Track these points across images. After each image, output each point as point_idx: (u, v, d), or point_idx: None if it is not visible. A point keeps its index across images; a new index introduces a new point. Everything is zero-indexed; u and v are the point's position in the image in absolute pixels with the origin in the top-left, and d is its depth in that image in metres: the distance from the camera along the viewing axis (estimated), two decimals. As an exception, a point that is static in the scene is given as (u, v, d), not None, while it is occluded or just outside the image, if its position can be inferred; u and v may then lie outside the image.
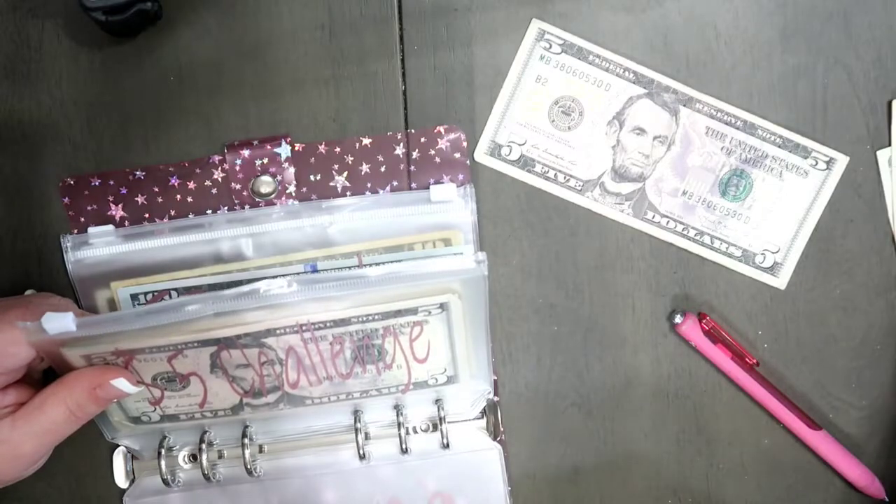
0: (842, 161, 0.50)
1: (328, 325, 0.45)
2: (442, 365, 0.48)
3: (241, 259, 0.49)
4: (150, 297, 0.49)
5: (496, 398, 0.51)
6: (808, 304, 0.51)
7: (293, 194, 0.50)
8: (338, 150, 0.50)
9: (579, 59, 0.50)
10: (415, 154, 0.50)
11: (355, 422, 0.50)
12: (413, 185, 0.50)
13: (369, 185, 0.50)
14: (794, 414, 0.50)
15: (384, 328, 0.46)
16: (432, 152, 0.50)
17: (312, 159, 0.50)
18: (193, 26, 0.49)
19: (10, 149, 0.50)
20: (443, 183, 0.50)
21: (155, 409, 0.48)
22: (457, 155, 0.50)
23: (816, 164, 0.50)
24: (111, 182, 0.50)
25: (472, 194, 0.50)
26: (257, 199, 0.50)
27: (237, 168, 0.50)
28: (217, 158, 0.50)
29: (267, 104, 0.50)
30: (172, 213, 0.50)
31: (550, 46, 0.50)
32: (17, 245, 0.50)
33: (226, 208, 0.50)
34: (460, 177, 0.50)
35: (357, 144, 0.50)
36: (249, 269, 0.49)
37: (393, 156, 0.50)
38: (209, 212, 0.50)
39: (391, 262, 0.49)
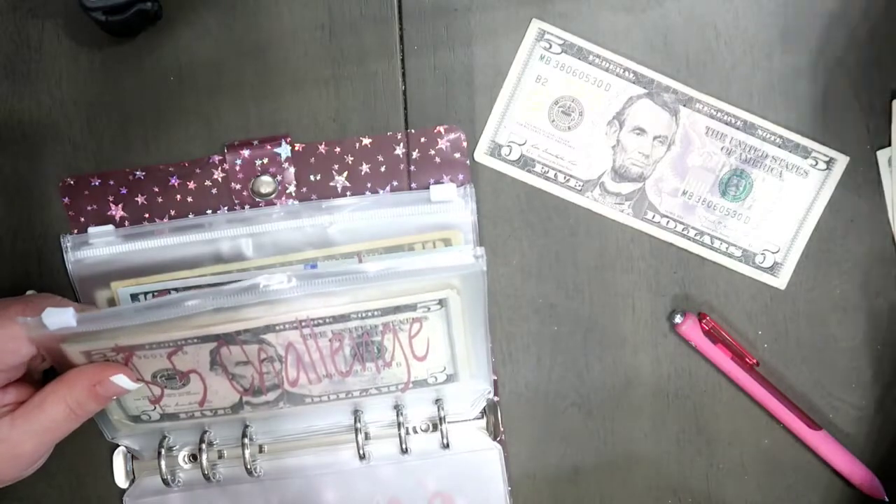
0: (842, 161, 0.50)
1: (327, 321, 0.45)
2: (441, 363, 0.48)
3: (242, 259, 0.49)
4: (150, 297, 0.49)
5: (496, 398, 0.51)
6: (808, 304, 0.51)
7: (293, 194, 0.50)
8: (338, 150, 0.50)
9: (579, 59, 0.50)
10: (415, 154, 0.50)
11: (355, 422, 0.50)
12: (413, 185, 0.50)
13: (369, 185, 0.50)
14: (794, 414, 0.50)
15: (383, 325, 0.46)
16: (432, 152, 0.50)
17: (312, 159, 0.50)
18: (193, 26, 0.49)
19: (10, 149, 0.50)
20: (443, 183, 0.50)
21: (155, 408, 0.48)
22: (457, 155, 0.50)
23: (816, 164, 0.50)
24: (111, 182, 0.50)
25: (472, 194, 0.50)
26: (257, 199, 0.50)
27: (237, 168, 0.50)
28: (217, 158, 0.50)
29: (267, 104, 0.50)
30: (172, 213, 0.50)
31: (550, 46, 0.50)
32: (17, 245, 0.50)
33: (226, 208, 0.50)
34: (460, 177, 0.50)
35: (357, 144, 0.50)
36: (249, 269, 0.49)
37: (393, 156, 0.50)
38: (209, 212, 0.50)
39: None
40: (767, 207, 0.51)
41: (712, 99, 0.50)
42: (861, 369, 0.51)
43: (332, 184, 0.50)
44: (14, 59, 0.49)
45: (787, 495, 0.52)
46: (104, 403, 0.45)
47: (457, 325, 0.46)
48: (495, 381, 0.51)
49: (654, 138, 0.50)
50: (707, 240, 0.51)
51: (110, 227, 0.50)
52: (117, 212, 0.50)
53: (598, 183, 0.51)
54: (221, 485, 0.50)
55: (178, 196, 0.50)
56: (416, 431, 0.51)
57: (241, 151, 0.50)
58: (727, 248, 0.51)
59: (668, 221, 0.51)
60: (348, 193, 0.50)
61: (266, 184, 0.50)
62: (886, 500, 0.51)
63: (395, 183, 0.50)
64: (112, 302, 0.50)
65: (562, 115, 0.50)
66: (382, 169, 0.50)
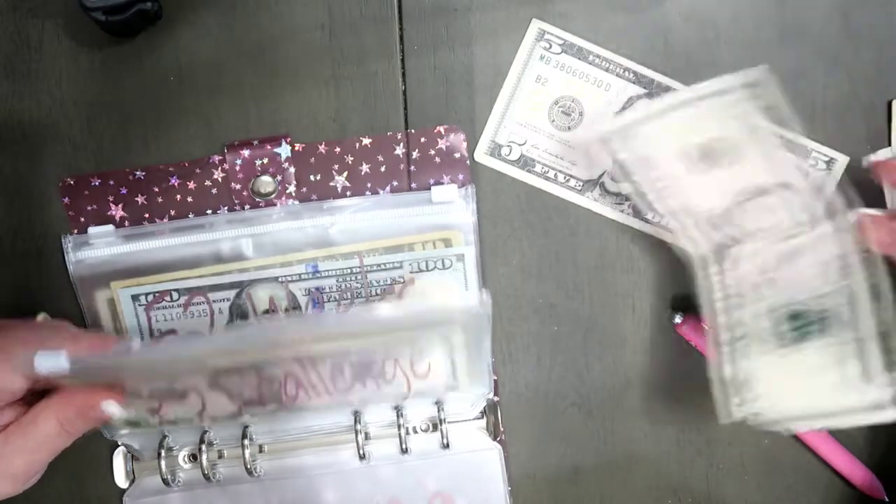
0: (842, 161, 0.50)
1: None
2: (442, 379, 0.48)
3: (242, 259, 0.49)
4: (150, 297, 0.49)
5: (496, 398, 0.51)
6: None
7: (293, 194, 0.50)
8: (338, 150, 0.50)
9: (579, 59, 0.50)
10: (415, 154, 0.50)
11: (355, 422, 0.50)
12: (413, 185, 0.50)
13: (369, 185, 0.50)
14: (794, 414, 0.50)
15: (385, 355, 0.46)
16: (432, 152, 0.50)
17: (312, 159, 0.50)
18: (193, 26, 0.49)
19: (10, 149, 0.50)
20: (443, 183, 0.50)
21: (154, 416, 0.48)
22: (457, 155, 0.50)
23: (816, 164, 0.50)
24: (111, 182, 0.50)
25: (473, 195, 0.50)
26: (257, 200, 0.50)
27: (237, 168, 0.50)
28: (217, 158, 0.50)
29: (267, 104, 0.50)
30: (172, 212, 0.50)
31: (550, 46, 0.50)
32: (17, 245, 0.50)
33: (226, 208, 0.50)
34: (460, 177, 0.50)
35: (357, 144, 0.50)
36: (249, 270, 0.49)
37: (393, 156, 0.50)
38: (209, 212, 0.50)
39: (392, 262, 0.49)
40: (767, 207, 0.50)
41: (711, 99, 0.50)
42: (861, 369, 0.51)
43: (332, 184, 0.50)
44: (14, 59, 0.49)
45: (787, 495, 0.52)
46: (95, 424, 0.45)
47: (459, 353, 0.47)
48: (495, 381, 0.51)
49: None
50: (707, 240, 0.51)
51: (110, 227, 0.50)
52: (117, 212, 0.50)
53: (598, 183, 0.51)
54: (221, 485, 0.51)
55: (178, 196, 0.50)
56: (415, 431, 0.51)
57: (241, 151, 0.50)
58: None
59: (668, 221, 0.51)
60: (348, 193, 0.50)
61: (266, 184, 0.50)
62: (886, 500, 0.51)
63: (395, 183, 0.50)
64: (112, 302, 0.50)
65: (562, 115, 0.50)
66: (382, 169, 0.50)
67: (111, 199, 0.50)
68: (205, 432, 0.50)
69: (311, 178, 0.50)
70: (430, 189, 0.49)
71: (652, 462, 0.52)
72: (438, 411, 0.50)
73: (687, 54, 0.50)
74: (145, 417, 0.48)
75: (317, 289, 0.50)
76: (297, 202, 0.50)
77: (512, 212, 0.51)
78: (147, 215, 0.50)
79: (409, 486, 0.51)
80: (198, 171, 0.50)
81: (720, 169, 0.45)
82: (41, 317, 0.49)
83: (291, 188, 0.50)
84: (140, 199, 0.50)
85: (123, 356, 0.42)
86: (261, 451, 0.51)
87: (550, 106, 0.50)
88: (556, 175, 0.51)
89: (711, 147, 0.45)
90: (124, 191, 0.50)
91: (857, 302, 0.42)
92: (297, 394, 0.47)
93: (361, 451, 0.49)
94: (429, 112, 0.50)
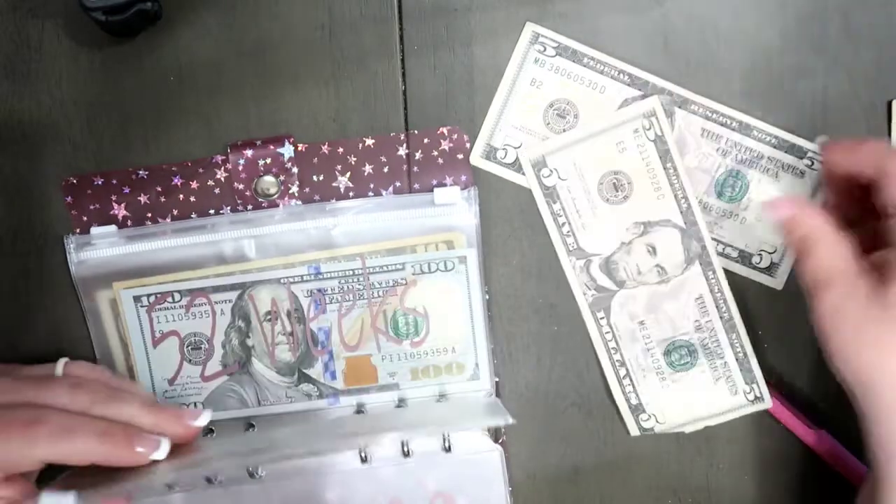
0: None
1: None
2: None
3: (244, 260, 0.49)
4: (152, 298, 0.49)
5: (497, 399, 0.51)
6: (806, 304, 0.51)
7: (296, 194, 0.50)
8: (340, 150, 0.50)
9: (574, 61, 0.50)
10: (417, 155, 0.50)
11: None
12: (416, 185, 0.50)
13: (372, 185, 0.50)
14: (794, 414, 0.50)
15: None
16: (435, 153, 0.50)
17: (315, 160, 0.50)
18: (193, 26, 0.49)
19: (10, 149, 0.50)
20: (446, 185, 0.50)
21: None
22: (459, 156, 0.50)
23: (812, 164, 0.50)
24: (114, 181, 0.50)
25: (476, 197, 0.50)
26: (260, 200, 0.50)
27: (240, 168, 0.50)
28: (220, 158, 0.50)
29: (267, 104, 0.50)
30: (175, 212, 0.50)
31: (545, 49, 0.50)
32: (17, 245, 0.50)
33: (228, 208, 0.50)
34: (463, 178, 0.50)
35: (360, 145, 0.50)
36: (252, 271, 0.49)
37: (396, 157, 0.50)
38: (212, 211, 0.50)
39: (395, 264, 0.50)
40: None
41: (707, 100, 0.50)
42: (860, 369, 0.51)
43: (334, 184, 0.50)
44: (14, 59, 0.49)
45: (787, 495, 0.52)
46: None
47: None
48: (496, 382, 0.51)
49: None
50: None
51: (113, 227, 0.49)
52: (120, 211, 0.50)
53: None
54: (223, 486, 0.51)
55: (181, 196, 0.50)
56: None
57: (245, 151, 0.50)
58: (723, 249, 0.51)
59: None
60: (351, 194, 0.50)
61: (269, 184, 0.50)
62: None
63: (397, 184, 0.50)
64: (114, 302, 0.50)
65: (557, 117, 0.50)
66: (385, 170, 0.50)
67: (114, 198, 0.50)
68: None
69: (314, 178, 0.50)
70: (432, 191, 0.50)
71: (652, 462, 0.52)
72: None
73: (687, 55, 0.50)
74: None
75: (319, 290, 0.50)
76: (299, 202, 0.50)
77: (512, 212, 0.51)
78: (150, 215, 0.50)
79: (410, 487, 0.51)
80: (201, 170, 0.50)
81: (618, 203, 0.49)
82: (63, 361, 0.46)
83: (294, 188, 0.50)
84: (143, 199, 0.50)
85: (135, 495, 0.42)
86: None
87: (545, 109, 0.50)
88: (556, 175, 0.51)
89: (615, 179, 0.49)
90: (127, 190, 0.50)
91: (718, 334, 0.50)
92: None
93: (363, 454, 0.49)
94: (428, 112, 0.50)
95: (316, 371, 0.51)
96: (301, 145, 0.50)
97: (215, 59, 0.50)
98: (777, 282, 0.51)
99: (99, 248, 0.49)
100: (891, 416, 0.41)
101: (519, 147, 0.50)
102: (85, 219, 0.50)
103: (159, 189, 0.50)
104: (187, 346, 0.50)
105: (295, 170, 0.50)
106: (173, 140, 0.50)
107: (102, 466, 0.42)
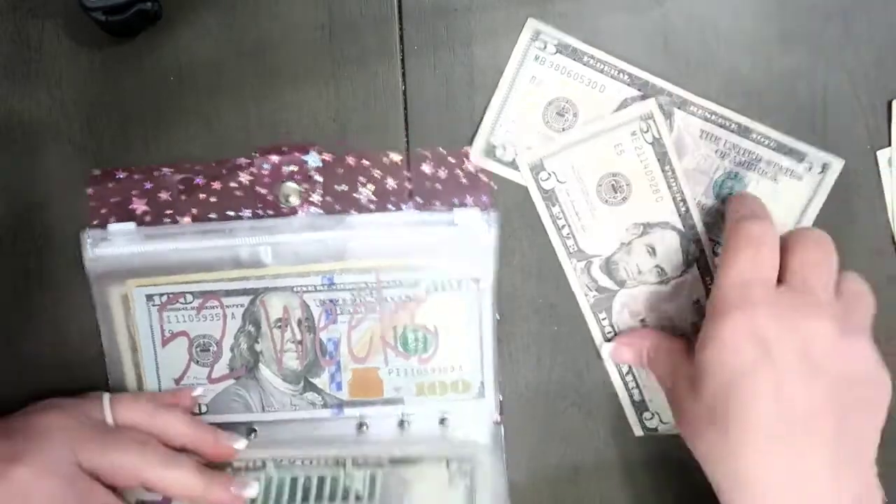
0: (836, 165, 0.50)
1: None
2: None
3: (260, 266, 0.49)
4: (164, 298, 0.50)
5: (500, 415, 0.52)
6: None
7: (317, 203, 0.50)
8: (366, 162, 0.50)
9: (574, 59, 0.50)
10: (442, 173, 0.50)
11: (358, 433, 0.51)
12: (437, 203, 0.50)
13: (393, 199, 0.50)
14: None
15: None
16: (459, 173, 0.50)
17: (340, 170, 0.50)
18: (193, 26, 0.49)
19: (10, 149, 0.50)
20: (466, 205, 0.50)
21: None
22: (483, 177, 0.50)
23: (811, 168, 0.50)
24: (136, 176, 0.50)
25: (496, 220, 0.50)
26: (281, 206, 0.50)
27: (265, 172, 0.50)
28: (245, 161, 0.50)
29: (267, 104, 0.50)
30: (195, 211, 0.50)
31: (545, 47, 0.50)
32: (17, 245, 0.50)
33: (248, 211, 0.50)
34: (484, 199, 0.50)
35: (385, 159, 0.50)
36: (266, 277, 0.50)
37: (420, 173, 0.50)
38: (231, 213, 0.50)
39: (408, 280, 0.50)
40: (763, 210, 0.51)
41: (706, 102, 0.50)
42: (861, 369, 0.51)
43: (356, 195, 0.50)
44: (14, 59, 0.49)
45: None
46: None
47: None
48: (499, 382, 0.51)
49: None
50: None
51: (132, 224, 0.49)
52: (139, 206, 0.50)
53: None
54: None
55: (202, 195, 0.50)
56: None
57: (271, 157, 0.50)
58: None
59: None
60: (372, 207, 0.50)
61: (291, 191, 0.50)
62: (885, 500, 0.51)
63: (419, 200, 0.50)
64: (126, 298, 0.50)
65: (556, 116, 0.50)
66: (408, 185, 0.50)
67: (135, 193, 0.50)
68: None
69: (337, 188, 0.50)
70: (452, 210, 0.50)
71: (652, 462, 0.52)
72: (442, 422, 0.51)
73: (687, 55, 0.50)
74: None
75: (331, 301, 0.50)
76: (320, 211, 0.50)
77: (511, 212, 0.51)
78: (169, 212, 0.50)
79: None
80: (224, 172, 0.50)
81: (617, 205, 0.49)
82: (107, 403, 0.48)
83: (316, 197, 0.50)
84: (164, 196, 0.50)
85: None
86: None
87: (545, 107, 0.50)
88: (555, 175, 0.51)
89: (614, 181, 0.49)
90: (149, 186, 0.50)
91: None
92: None
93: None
94: (429, 112, 0.50)
95: (322, 381, 0.51)
96: (327, 155, 0.50)
97: (215, 59, 0.50)
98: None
99: (116, 245, 0.49)
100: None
101: (518, 145, 0.50)
102: (104, 211, 0.50)
103: (181, 187, 0.50)
104: (196, 348, 0.50)
105: (319, 178, 0.50)
106: (173, 140, 0.50)
107: None
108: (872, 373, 0.42)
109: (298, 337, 0.50)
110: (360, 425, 0.51)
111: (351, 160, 0.50)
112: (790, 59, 0.50)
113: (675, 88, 0.50)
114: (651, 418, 0.51)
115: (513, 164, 0.50)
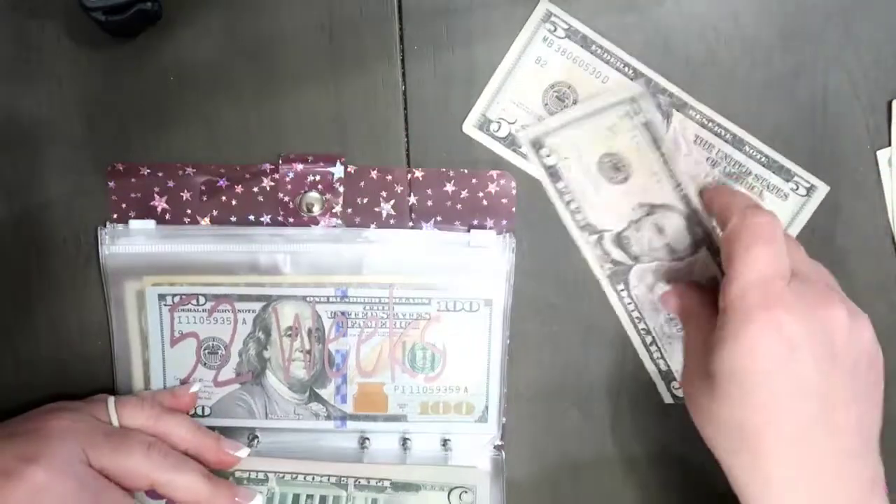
0: (822, 190, 0.50)
1: None
2: None
3: (277, 273, 0.50)
4: (177, 298, 0.50)
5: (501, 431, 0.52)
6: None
7: (338, 214, 0.50)
8: (389, 177, 0.50)
9: (582, 46, 0.49)
10: (464, 194, 0.50)
11: (360, 447, 0.51)
12: (457, 222, 0.50)
13: (413, 216, 0.50)
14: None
15: None
16: (481, 194, 0.50)
17: (362, 183, 0.50)
18: (193, 26, 0.49)
19: (10, 149, 0.50)
20: (485, 227, 0.50)
21: None
22: (504, 201, 0.50)
23: (797, 188, 0.50)
24: (160, 174, 0.50)
25: (513, 245, 0.50)
26: (302, 214, 0.50)
27: (288, 180, 0.50)
28: (269, 167, 0.50)
29: (267, 104, 0.50)
30: (215, 213, 0.50)
31: (555, 29, 0.49)
32: (17, 245, 0.50)
33: (269, 217, 0.50)
34: (504, 223, 0.50)
35: (409, 175, 0.50)
36: (281, 285, 0.50)
37: (442, 192, 0.50)
38: (251, 218, 0.50)
39: (421, 298, 0.50)
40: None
41: (705, 108, 0.50)
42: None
43: (377, 209, 0.50)
44: (14, 59, 0.49)
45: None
46: None
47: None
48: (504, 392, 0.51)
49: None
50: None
51: (152, 222, 0.49)
52: (160, 203, 0.50)
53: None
54: None
55: (224, 198, 0.50)
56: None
57: (295, 165, 0.50)
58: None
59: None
60: (392, 222, 0.50)
61: (314, 200, 0.50)
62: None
63: (438, 218, 0.50)
64: (140, 294, 0.50)
65: (556, 99, 0.50)
66: (429, 203, 0.50)
67: (156, 189, 0.50)
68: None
69: (359, 201, 0.50)
70: (470, 231, 0.50)
71: (652, 461, 0.52)
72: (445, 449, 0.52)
73: (687, 54, 0.50)
74: None
75: (342, 313, 0.50)
76: (340, 222, 0.50)
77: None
78: (189, 211, 0.50)
79: None
80: (247, 176, 0.50)
81: (620, 184, 0.49)
82: (112, 405, 0.48)
83: (337, 208, 0.50)
84: (185, 195, 0.50)
85: None
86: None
87: (546, 89, 0.50)
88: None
89: (613, 160, 0.49)
90: (171, 184, 0.50)
91: None
92: None
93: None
94: (429, 112, 0.50)
95: (328, 392, 0.51)
96: (351, 167, 0.50)
97: (215, 59, 0.50)
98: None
99: (134, 242, 0.49)
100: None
101: (514, 123, 0.50)
102: (124, 206, 0.50)
103: (203, 188, 0.50)
104: (204, 350, 0.50)
105: (341, 190, 0.50)
106: (173, 140, 0.50)
107: None
108: (874, 352, 0.43)
109: (307, 347, 0.50)
110: (363, 441, 0.51)
111: (374, 174, 0.50)
112: (790, 59, 0.50)
113: (677, 90, 0.50)
114: (679, 388, 0.51)
115: (504, 141, 0.50)
